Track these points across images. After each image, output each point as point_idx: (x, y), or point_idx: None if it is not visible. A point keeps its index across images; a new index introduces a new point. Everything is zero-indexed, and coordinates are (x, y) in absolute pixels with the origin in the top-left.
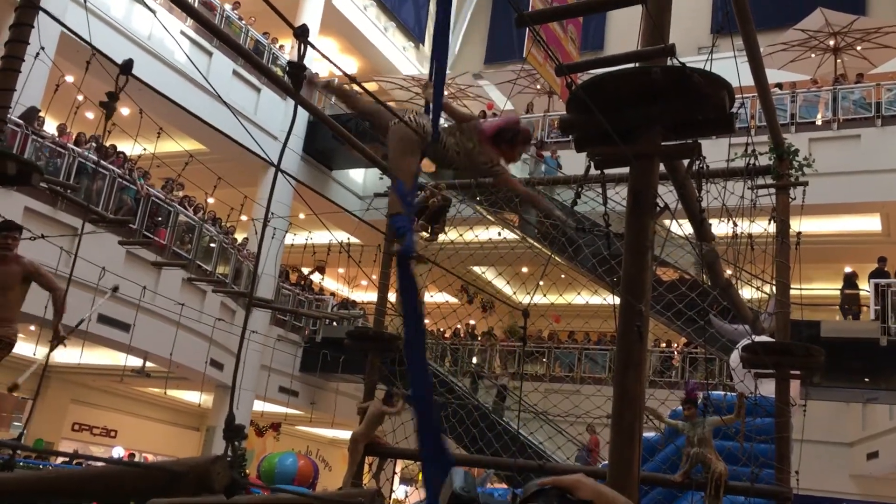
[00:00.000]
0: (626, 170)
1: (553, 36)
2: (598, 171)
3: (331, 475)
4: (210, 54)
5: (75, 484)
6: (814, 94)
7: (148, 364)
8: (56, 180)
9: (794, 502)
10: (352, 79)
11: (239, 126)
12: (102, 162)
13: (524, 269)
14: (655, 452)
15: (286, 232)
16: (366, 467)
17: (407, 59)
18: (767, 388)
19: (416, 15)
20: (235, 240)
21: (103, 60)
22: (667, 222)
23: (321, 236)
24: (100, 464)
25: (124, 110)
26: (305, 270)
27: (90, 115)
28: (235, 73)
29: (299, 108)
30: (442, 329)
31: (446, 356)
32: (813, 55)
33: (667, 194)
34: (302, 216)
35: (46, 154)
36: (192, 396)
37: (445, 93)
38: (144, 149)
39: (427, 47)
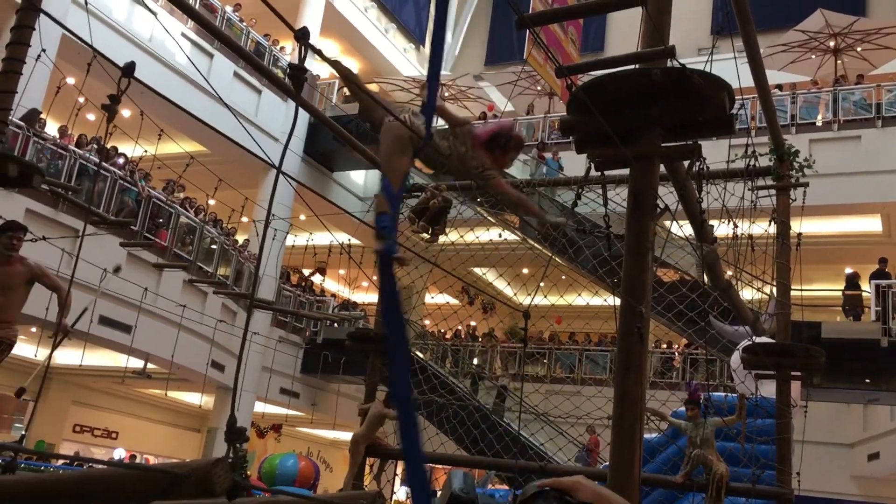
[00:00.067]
0: (626, 171)
1: (553, 37)
2: (599, 173)
3: (332, 476)
4: (211, 56)
5: (76, 486)
6: (814, 95)
7: (149, 365)
8: (57, 182)
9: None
10: (348, 75)
11: (240, 128)
12: (104, 164)
13: (525, 271)
14: (656, 453)
15: (287, 233)
16: (367, 469)
17: (407, 61)
18: (768, 390)
19: (416, 16)
20: (236, 241)
21: (104, 62)
22: (667, 223)
23: (322, 238)
24: (100, 466)
25: (125, 112)
26: (306, 272)
27: (91, 116)
28: (236, 74)
29: (300, 109)
30: (443, 330)
31: (447, 357)
32: (813, 56)
33: (667, 195)
34: (303, 217)
35: (48, 156)
36: (194, 398)
37: (446, 94)
38: (145, 150)
39: (428, 49)
